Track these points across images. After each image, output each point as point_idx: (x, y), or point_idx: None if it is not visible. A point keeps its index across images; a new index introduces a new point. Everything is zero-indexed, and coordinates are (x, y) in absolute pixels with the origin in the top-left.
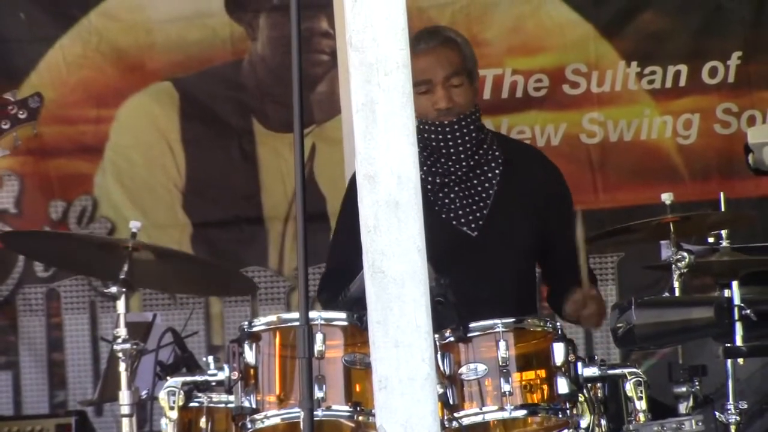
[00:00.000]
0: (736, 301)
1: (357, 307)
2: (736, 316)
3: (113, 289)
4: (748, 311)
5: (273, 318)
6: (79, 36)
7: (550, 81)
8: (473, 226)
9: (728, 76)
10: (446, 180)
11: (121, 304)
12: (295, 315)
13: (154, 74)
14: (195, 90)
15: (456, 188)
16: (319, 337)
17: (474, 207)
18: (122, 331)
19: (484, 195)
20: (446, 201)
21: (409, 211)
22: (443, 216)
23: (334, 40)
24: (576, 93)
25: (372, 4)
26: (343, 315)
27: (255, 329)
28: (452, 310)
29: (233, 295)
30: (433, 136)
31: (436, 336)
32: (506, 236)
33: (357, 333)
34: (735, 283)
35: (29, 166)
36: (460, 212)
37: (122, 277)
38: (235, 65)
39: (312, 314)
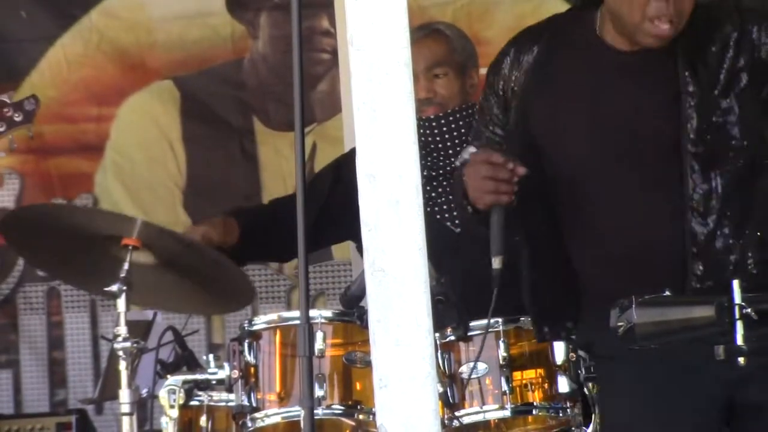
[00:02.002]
0: (737, 299)
1: (357, 305)
2: (737, 315)
3: (113, 288)
4: (749, 310)
5: (273, 316)
6: (79, 35)
7: None
8: (457, 222)
9: None
10: (433, 174)
11: (121, 303)
12: (296, 313)
13: (155, 73)
14: (196, 89)
15: (444, 182)
16: (319, 335)
17: None
18: (122, 330)
19: None
20: (433, 195)
21: (409, 209)
22: (428, 209)
23: (335, 39)
24: None
25: (373, 2)
26: (343, 313)
27: (255, 328)
28: (453, 309)
29: (229, 311)
30: (420, 131)
31: (437, 335)
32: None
33: (357, 332)
34: (736, 282)
35: (30, 164)
36: (445, 207)
37: (123, 275)
38: (236, 64)
39: (312, 313)
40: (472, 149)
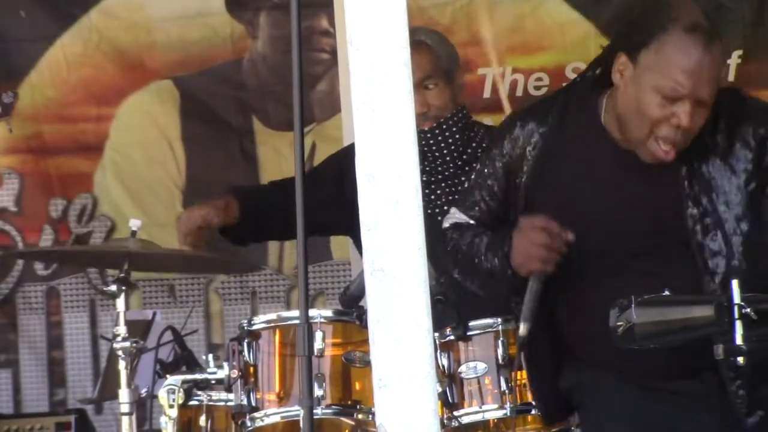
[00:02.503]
0: (736, 299)
1: (356, 305)
2: (736, 315)
3: (113, 287)
4: (748, 310)
5: (273, 316)
6: (79, 34)
7: (550, 80)
8: None
9: (728, 75)
10: (433, 179)
11: (120, 302)
12: (295, 313)
13: (155, 73)
14: (195, 88)
15: (443, 184)
16: (318, 335)
17: None
18: (122, 329)
19: None
20: (432, 197)
21: (409, 209)
22: (428, 211)
23: (335, 39)
24: None
25: (373, 2)
26: (343, 313)
27: (255, 327)
28: (452, 309)
29: (238, 271)
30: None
31: (436, 334)
32: None
33: (356, 331)
34: (735, 282)
35: (29, 164)
36: (446, 208)
37: (122, 275)
38: (235, 64)
39: (312, 312)
40: (455, 210)
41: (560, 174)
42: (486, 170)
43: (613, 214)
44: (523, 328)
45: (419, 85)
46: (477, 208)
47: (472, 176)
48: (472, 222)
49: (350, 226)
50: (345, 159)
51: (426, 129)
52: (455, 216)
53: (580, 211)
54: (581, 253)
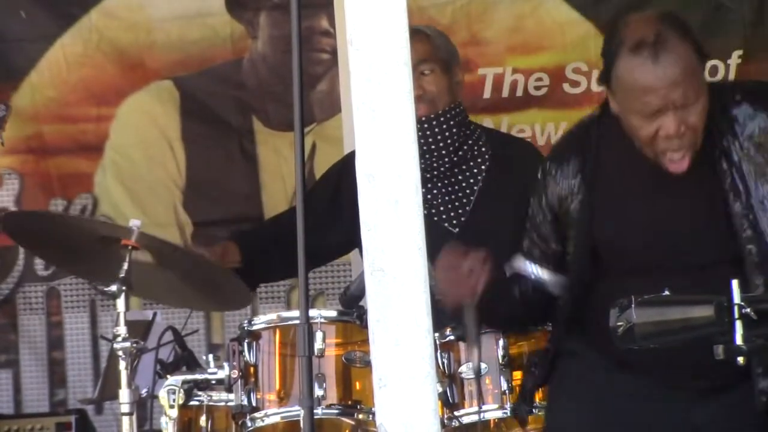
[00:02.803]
0: (736, 299)
1: (356, 305)
2: (736, 315)
3: (113, 288)
4: (748, 309)
5: (273, 316)
6: (79, 35)
7: (550, 80)
8: (455, 222)
9: (729, 75)
10: (428, 176)
11: (121, 303)
12: (295, 313)
13: (155, 73)
14: (195, 89)
15: (439, 184)
16: (319, 335)
17: (457, 204)
18: (122, 330)
19: (467, 191)
20: (428, 197)
21: (409, 209)
22: (424, 211)
23: (335, 39)
24: (577, 92)
25: (373, 2)
26: (343, 313)
27: (255, 328)
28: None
29: (228, 309)
30: None
31: (436, 334)
32: (489, 234)
33: (357, 331)
34: (735, 282)
35: (29, 164)
36: (442, 208)
37: (122, 275)
38: (235, 64)
39: (312, 312)
40: (522, 260)
41: (606, 202)
42: (534, 213)
43: (667, 227)
44: (474, 356)
45: (414, 70)
46: (537, 252)
47: (526, 223)
48: (537, 277)
49: (352, 239)
50: (344, 170)
51: (423, 119)
52: (522, 265)
53: (633, 232)
54: (640, 268)
